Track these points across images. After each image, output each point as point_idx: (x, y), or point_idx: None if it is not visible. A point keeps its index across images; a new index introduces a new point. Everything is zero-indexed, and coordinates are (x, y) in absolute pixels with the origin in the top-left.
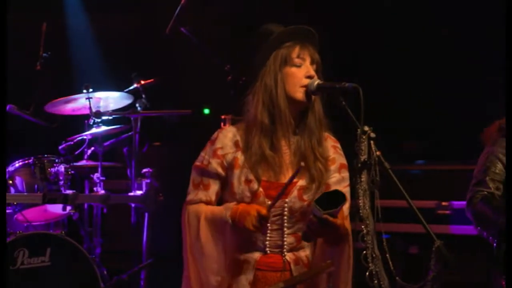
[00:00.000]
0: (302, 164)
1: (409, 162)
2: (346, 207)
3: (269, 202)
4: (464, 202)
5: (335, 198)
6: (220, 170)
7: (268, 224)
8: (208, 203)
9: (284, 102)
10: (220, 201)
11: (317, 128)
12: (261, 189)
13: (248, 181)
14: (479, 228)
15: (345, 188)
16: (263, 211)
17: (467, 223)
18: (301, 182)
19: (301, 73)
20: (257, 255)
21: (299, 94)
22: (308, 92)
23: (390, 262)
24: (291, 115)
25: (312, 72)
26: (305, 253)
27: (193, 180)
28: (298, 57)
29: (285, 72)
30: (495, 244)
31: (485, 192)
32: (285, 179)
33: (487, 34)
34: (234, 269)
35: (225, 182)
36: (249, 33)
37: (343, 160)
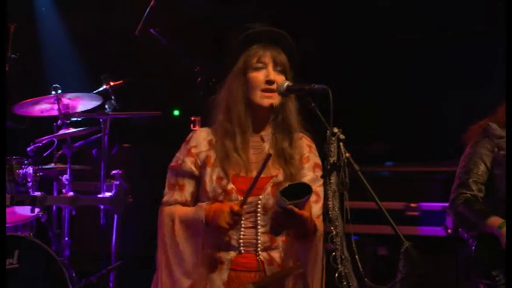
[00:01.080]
0: (271, 152)
1: (378, 163)
2: (319, 207)
3: (240, 197)
4: (432, 204)
5: (302, 190)
6: (194, 168)
7: (242, 222)
8: (184, 203)
9: (243, 106)
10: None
11: (288, 129)
12: (232, 185)
13: (219, 178)
14: (460, 229)
15: (319, 188)
16: (236, 207)
17: (435, 225)
18: (275, 179)
19: (261, 77)
20: (231, 254)
21: (259, 99)
22: (278, 93)
23: (359, 264)
24: (251, 119)
25: (273, 77)
26: (279, 253)
27: (168, 180)
28: (259, 61)
29: (247, 77)
30: (473, 247)
31: (468, 195)
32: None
33: (455, 37)
34: (209, 268)
35: (199, 181)
36: (218, 35)
37: (317, 160)
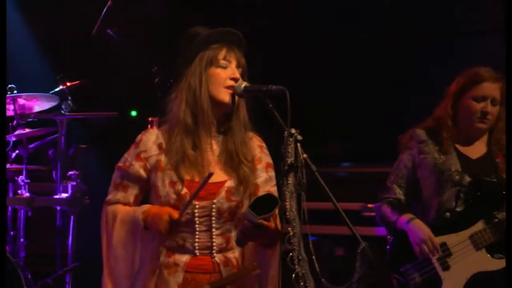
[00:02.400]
0: (212, 171)
1: (335, 164)
2: None
3: (196, 203)
4: None
5: (267, 201)
6: (142, 172)
7: (197, 226)
8: (126, 204)
9: (207, 102)
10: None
11: (241, 130)
12: (185, 190)
13: (172, 183)
14: (387, 232)
15: (272, 188)
16: (175, 215)
17: None
18: (229, 183)
19: (225, 75)
20: (186, 257)
21: (223, 95)
22: (235, 94)
23: (316, 264)
24: (214, 115)
25: (237, 75)
26: (234, 254)
27: (114, 180)
28: (224, 58)
29: (210, 73)
30: (388, 246)
31: (391, 198)
32: (211, 178)
33: (411, 39)
34: (164, 271)
35: (147, 186)
36: (176, 35)
37: (269, 160)
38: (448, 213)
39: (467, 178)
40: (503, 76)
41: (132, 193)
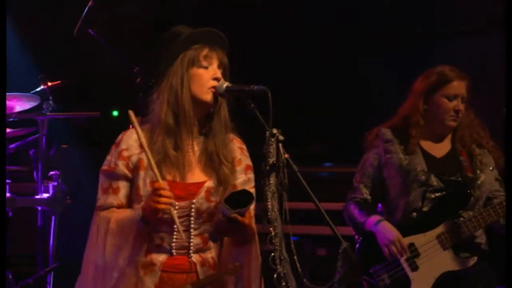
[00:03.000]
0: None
1: (317, 164)
2: (252, 207)
3: (176, 203)
4: None
5: (243, 197)
6: (126, 171)
7: (175, 226)
8: (119, 207)
9: (189, 103)
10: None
11: (222, 131)
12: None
13: (153, 183)
14: (355, 232)
15: (251, 190)
16: (155, 184)
17: None
18: (208, 184)
19: (208, 75)
20: (163, 257)
21: (206, 96)
22: (217, 94)
23: (298, 264)
24: (196, 116)
25: (219, 75)
26: (211, 254)
27: (101, 184)
28: (206, 59)
29: (192, 73)
30: (358, 245)
31: (358, 198)
32: (191, 178)
33: (392, 41)
34: (140, 271)
35: (132, 184)
36: (158, 35)
37: (249, 162)
38: (414, 213)
39: (433, 178)
40: (466, 74)
41: (123, 194)
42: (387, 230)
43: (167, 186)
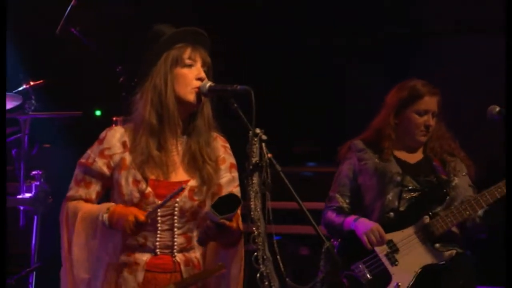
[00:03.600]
0: (184, 186)
1: (300, 164)
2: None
3: (159, 202)
4: None
5: (230, 201)
6: (105, 169)
7: (159, 225)
8: (87, 201)
9: (173, 103)
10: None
11: (206, 130)
12: (150, 189)
13: (136, 182)
14: (332, 239)
15: (235, 188)
16: (141, 217)
17: None
18: (192, 183)
19: (192, 75)
20: (147, 256)
21: (190, 96)
22: (200, 93)
23: (281, 264)
24: (180, 116)
25: (203, 74)
26: (195, 254)
27: (76, 176)
28: (189, 58)
29: (176, 73)
30: (337, 245)
31: (335, 207)
32: (175, 178)
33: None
34: (123, 270)
35: (109, 183)
36: (141, 34)
37: (233, 160)
38: (391, 213)
39: (408, 179)
40: (438, 89)
41: (94, 189)
42: (366, 221)
43: (148, 221)
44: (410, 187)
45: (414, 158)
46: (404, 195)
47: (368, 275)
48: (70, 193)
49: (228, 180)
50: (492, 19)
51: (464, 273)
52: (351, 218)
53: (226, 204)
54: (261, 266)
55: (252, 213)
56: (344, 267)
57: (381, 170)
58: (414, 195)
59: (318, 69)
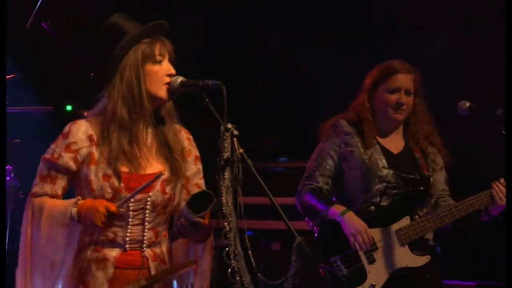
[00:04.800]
0: (162, 172)
1: (271, 159)
2: None
3: (120, 202)
4: None
5: (202, 198)
6: (72, 164)
7: (130, 219)
8: (53, 196)
9: (145, 98)
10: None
11: (170, 121)
12: (122, 184)
13: (107, 176)
14: (306, 218)
15: (200, 180)
16: (112, 207)
17: None
18: (162, 176)
19: (162, 71)
20: (116, 251)
21: (161, 92)
22: (171, 89)
23: (252, 259)
24: (151, 110)
25: (173, 70)
26: (162, 249)
27: (40, 172)
28: (160, 54)
29: (147, 70)
30: (316, 234)
31: (314, 186)
32: (146, 170)
33: (349, 36)
34: (92, 266)
35: (74, 177)
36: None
37: (197, 152)
38: (373, 207)
39: (393, 175)
40: (416, 69)
41: (60, 185)
42: (355, 220)
43: (119, 212)
44: (394, 184)
45: (397, 146)
46: (389, 191)
47: (344, 271)
48: (35, 189)
49: (194, 173)
50: (464, 16)
51: (437, 281)
52: (337, 209)
53: (199, 201)
54: (233, 261)
55: (223, 208)
56: (321, 259)
57: (367, 164)
58: (397, 192)
59: (290, 63)
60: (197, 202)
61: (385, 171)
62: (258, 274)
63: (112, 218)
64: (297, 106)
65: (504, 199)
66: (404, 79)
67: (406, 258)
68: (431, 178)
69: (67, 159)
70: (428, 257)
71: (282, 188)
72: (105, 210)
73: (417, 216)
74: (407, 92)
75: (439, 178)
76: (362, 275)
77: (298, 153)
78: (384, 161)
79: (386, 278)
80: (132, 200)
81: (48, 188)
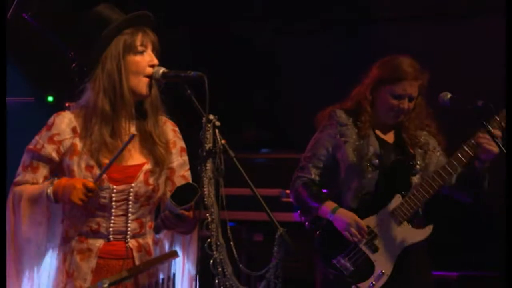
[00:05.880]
0: (135, 133)
1: (253, 150)
2: None
3: (114, 187)
4: None
5: (187, 190)
6: (54, 155)
7: (113, 210)
8: (34, 184)
9: (127, 90)
10: None
11: (154, 113)
12: (104, 174)
13: (89, 167)
14: (299, 212)
15: (186, 172)
16: (89, 183)
17: None
18: (146, 166)
19: (144, 62)
20: (100, 242)
21: (141, 86)
22: (153, 80)
23: (234, 250)
24: (133, 102)
25: (155, 61)
26: (147, 240)
27: (23, 162)
28: (141, 45)
29: (129, 61)
30: (318, 236)
31: (306, 178)
32: (129, 161)
33: (330, 25)
34: (76, 256)
35: (57, 168)
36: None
37: (183, 144)
38: (367, 195)
39: (386, 161)
40: (424, 70)
41: (41, 173)
42: (343, 215)
43: (97, 188)
44: (387, 170)
45: (391, 137)
46: (382, 178)
47: (350, 267)
48: (17, 178)
49: (179, 164)
50: (441, 6)
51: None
52: (328, 207)
53: (184, 194)
54: (215, 252)
55: (205, 199)
56: (326, 262)
57: (360, 152)
58: (389, 177)
59: (270, 54)
60: (181, 194)
61: (378, 158)
62: (240, 265)
63: (91, 194)
64: (279, 97)
65: (496, 146)
66: (410, 87)
67: (407, 236)
68: (416, 155)
69: (49, 150)
70: (431, 226)
71: (264, 179)
72: (83, 187)
73: (410, 192)
74: (410, 99)
75: (433, 159)
76: (369, 266)
77: (280, 145)
78: (377, 148)
79: (393, 262)
80: (114, 190)
81: (29, 177)
